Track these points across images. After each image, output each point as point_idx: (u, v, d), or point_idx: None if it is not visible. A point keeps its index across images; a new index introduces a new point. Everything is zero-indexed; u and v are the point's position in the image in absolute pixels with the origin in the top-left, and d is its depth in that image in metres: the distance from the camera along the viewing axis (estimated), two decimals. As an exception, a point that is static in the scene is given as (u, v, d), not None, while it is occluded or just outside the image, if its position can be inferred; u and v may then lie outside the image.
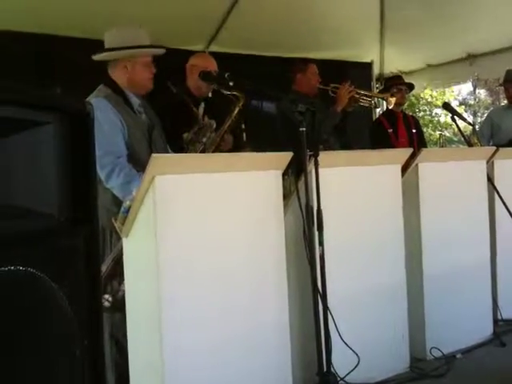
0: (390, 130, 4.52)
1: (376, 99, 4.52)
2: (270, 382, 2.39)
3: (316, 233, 2.45)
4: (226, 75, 2.88)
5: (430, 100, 14.45)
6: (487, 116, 5.70)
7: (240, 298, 2.31)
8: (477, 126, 6.16)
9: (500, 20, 4.75)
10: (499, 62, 5.26)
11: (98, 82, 2.74)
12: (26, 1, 3.74)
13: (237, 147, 3.09)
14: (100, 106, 2.53)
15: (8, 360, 0.93)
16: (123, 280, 2.31)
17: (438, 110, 15.04)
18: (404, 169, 3.05)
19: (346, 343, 2.49)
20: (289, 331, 2.46)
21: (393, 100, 4.32)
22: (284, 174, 2.55)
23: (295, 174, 2.76)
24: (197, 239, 2.21)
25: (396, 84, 4.63)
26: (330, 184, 2.61)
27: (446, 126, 14.74)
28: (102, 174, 2.52)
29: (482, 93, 19.29)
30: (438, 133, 13.52)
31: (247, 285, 2.35)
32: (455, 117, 3.81)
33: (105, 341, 2.30)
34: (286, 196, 2.66)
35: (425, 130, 12.56)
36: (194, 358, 2.15)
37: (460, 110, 14.92)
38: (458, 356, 3.07)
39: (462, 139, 4.01)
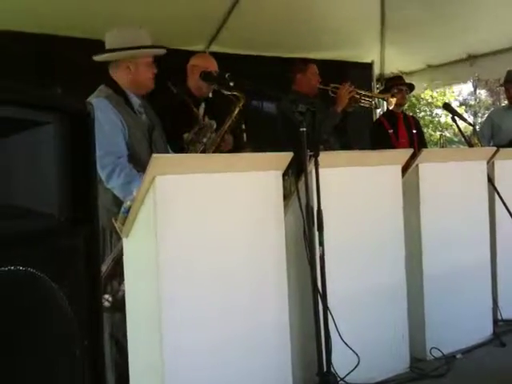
0: (391, 131, 4.52)
1: (376, 100, 4.51)
2: (270, 382, 2.39)
3: (316, 233, 2.45)
4: (227, 75, 2.89)
5: (430, 100, 14.44)
6: (488, 116, 5.69)
7: (240, 297, 2.31)
8: (477, 127, 6.14)
9: (500, 20, 4.75)
10: (500, 63, 5.26)
11: (99, 82, 2.74)
12: (25, 1, 3.74)
13: (237, 147, 3.09)
14: (101, 106, 2.54)
15: (8, 360, 0.93)
16: (123, 280, 2.31)
17: (439, 111, 15.05)
18: (404, 169, 3.05)
19: (346, 343, 2.49)
20: (289, 331, 2.46)
21: (393, 100, 4.32)
22: (284, 175, 2.55)
23: (295, 174, 2.76)
24: (197, 239, 2.21)
25: (396, 84, 4.63)
26: (331, 184, 2.61)
27: (447, 127, 14.75)
28: (102, 174, 2.53)
29: (482, 93, 19.30)
30: (438, 133, 13.51)
31: (247, 285, 2.35)
32: (455, 117, 3.81)
33: (105, 341, 2.29)
34: (287, 196, 2.66)
35: (425, 130, 12.55)
36: (194, 358, 2.15)
37: (460, 110, 14.87)
38: (458, 356, 3.07)
39: (463, 140, 4.01)
